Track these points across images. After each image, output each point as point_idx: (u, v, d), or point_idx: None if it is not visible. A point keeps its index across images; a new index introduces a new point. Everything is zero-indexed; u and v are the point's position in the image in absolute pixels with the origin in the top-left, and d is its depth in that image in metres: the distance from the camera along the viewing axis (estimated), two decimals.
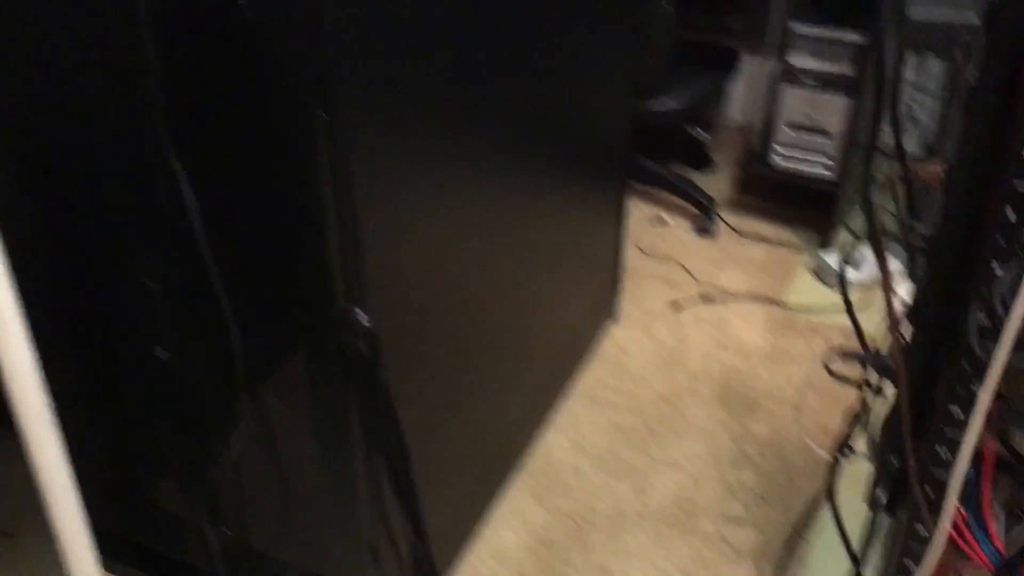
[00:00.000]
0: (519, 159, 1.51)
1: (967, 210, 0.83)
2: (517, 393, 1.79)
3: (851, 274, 2.38)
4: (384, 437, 1.21)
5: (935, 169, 0.90)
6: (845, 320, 2.33)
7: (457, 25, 1.18)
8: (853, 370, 1.14)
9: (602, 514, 1.78)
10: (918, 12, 0.81)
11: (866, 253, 2.42)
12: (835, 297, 2.36)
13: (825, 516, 1.62)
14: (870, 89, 2.29)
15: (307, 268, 1.09)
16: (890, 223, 0.94)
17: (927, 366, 0.92)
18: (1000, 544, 0.89)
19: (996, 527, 0.91)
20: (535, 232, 1.65)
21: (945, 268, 0.87)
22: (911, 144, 2.35)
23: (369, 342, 1.13)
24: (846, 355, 1.02)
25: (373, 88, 1.04)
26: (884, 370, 0.97)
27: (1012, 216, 0.79)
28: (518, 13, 1.34)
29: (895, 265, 0.95)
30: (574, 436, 1.96)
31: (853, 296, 2.43)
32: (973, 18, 0.78)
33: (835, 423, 1.96)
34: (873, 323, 2.36)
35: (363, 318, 1.11)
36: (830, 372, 1.15)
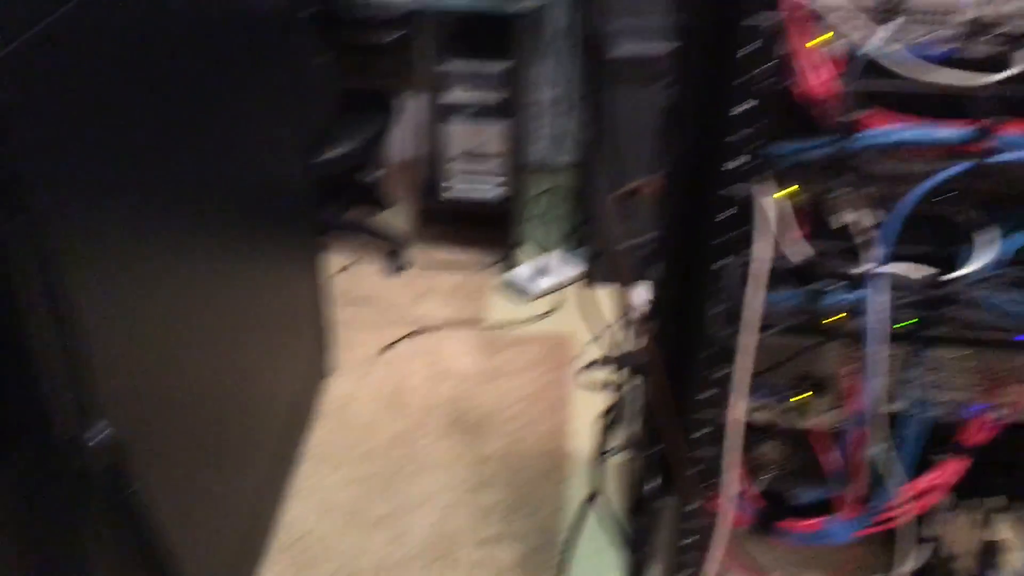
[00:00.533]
0: (214, 233, 1.47)
1: (688, 216, 0.94)
2: (254, 468, 1.71)
3: (541, 283, 2.55)
4: (140, 552, 1.10)
5: (652, 183, 1.00)
6: (544, 327, 2.47)
7: (131, 117, 1.13)
8: (595, 375, 1.23)
9: (367, 570, 1.74)
10: (619, 49, 0.90)
11: (550, 261, 2.60)
12: (529, 309, 2.51)
13: (582, 515, 1.72)
14: (523, 109, 2.47)
15: (22, 399, 0.97)
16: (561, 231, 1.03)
17: (673, 358, 1.02)
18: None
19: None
20: (241, 303, 1.60)
21: (676, 268, 0.97)
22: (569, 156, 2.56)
23: (109, 457, 1.02)
24: (594, 363, 1.10)
25: (68, 195, 0.95)
26: (635, 367, 1.06)
27: (725, 218, 0.90)
28: (182, 97, 1.30)
29: (575, 266, 1.03)
30: (318, 500, 1.90)
31: (543, 302, 2.58)
32: (668, 49, 0.89)
33: (564, 426, 2.09)
34: (574, 322, 2.52)
35: (99, 434, 1.00)
36: (581, 381, 1.23)
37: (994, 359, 1.07)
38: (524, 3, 2.31)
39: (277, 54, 1.79)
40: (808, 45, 0.85)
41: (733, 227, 0.91)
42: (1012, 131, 0.83)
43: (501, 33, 2.44)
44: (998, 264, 0.91)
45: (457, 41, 2.58)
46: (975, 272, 0.90)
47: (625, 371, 1.10)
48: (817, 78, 0.84)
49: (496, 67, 2.48)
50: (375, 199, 2.97)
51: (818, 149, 0.87)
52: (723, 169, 0.89)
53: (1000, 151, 0.83)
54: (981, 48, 0.86)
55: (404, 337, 2.40)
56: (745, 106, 0.87)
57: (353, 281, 2.64)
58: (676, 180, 0.94)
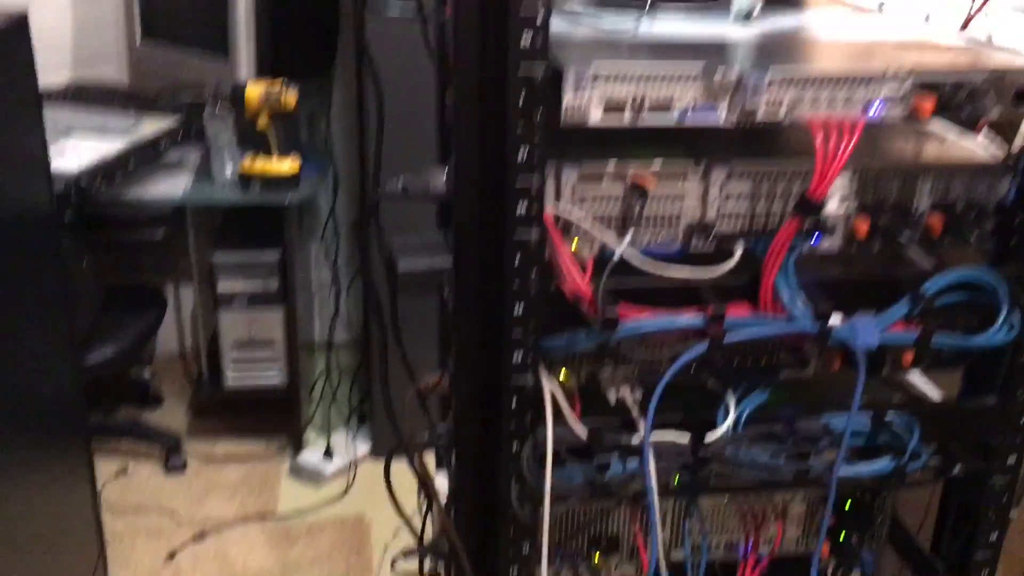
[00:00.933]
0: None
1: (479, 405, 1.03)
2: None
3: (331, 465, 2.53)
4: None
5: (442, 378, 1.09)
6: (339, 510, 2.44)
7: None
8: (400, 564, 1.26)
9: None
10: (404, 265, 1.00)
11: (339, 441, 2.60)
12: (322, 493, 2.48)
13: None
14: (302, 295, 2.52)
15: None
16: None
17: (476, 540, 1.08)
18: None
19: None
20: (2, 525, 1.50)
21: (472, 454, 1.05)
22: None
23: None
24: (408, 553, 1.14)
25: None
26: (438, 552, 1.11)
27: (514, 406, 1.00)
28: None
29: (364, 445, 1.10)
30: None
31: (336, 483, 2.56)
32: (448, 263, 1.00)
33: None
34: (370, 502, 2.50)
35: None
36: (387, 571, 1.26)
37: (755, 503, 1.22)
38: (291, 195, 2.40)
39: (39, 258, 1.75)
40: (567, 251, 0.98)
41: (521, 413, 1.01)
42: (737, 313, 1.00)
43: (272, 222, 2.50)
44: (742, 424, 1.07)
45: (228, 232, 2.62)
46: (726, 433, 1.05)
47: (429, 558, 1.15)
48: (577, 279, 0.97)
49: (268, 255, 2.53)
50: (148, 397, 2.86)
51: (586, 340, 0.99)
52: (507, 362, 1.00)
53: (731, 330, 0.99)
54: (707, 244, 1.04)
55: (189, 542, 2.29)
56: (520, 307, 0.98)
57: (129, 486, 2.51)
58: (465, 374, 1.03)
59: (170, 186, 2.42)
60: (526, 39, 0.90)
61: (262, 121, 2.38)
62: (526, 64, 0.90)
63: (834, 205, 1.05)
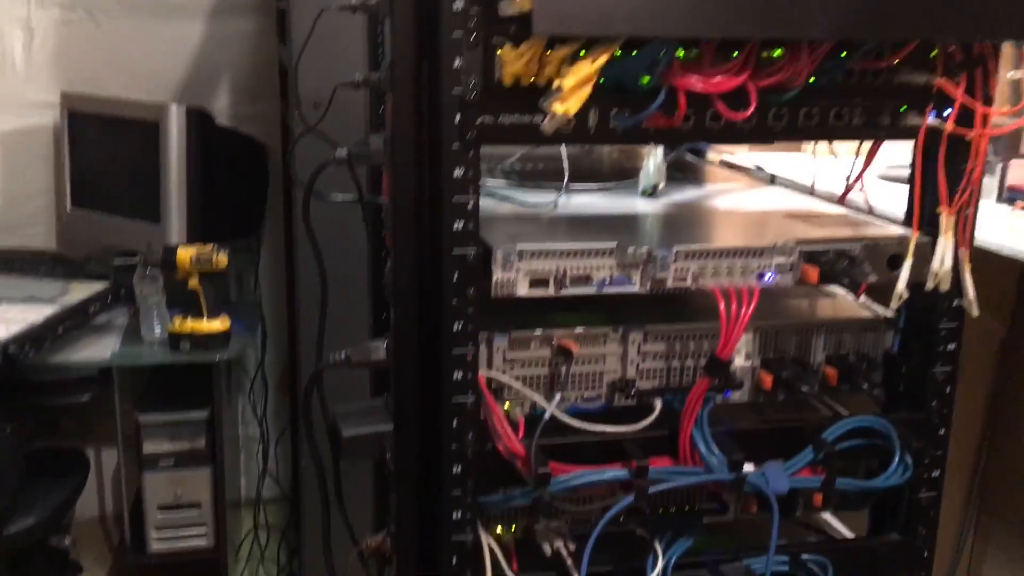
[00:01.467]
0: None
1: (419, 567, 1.07)
2: None
3: None
4: None
5: (383, 540, 1.13)
6: None
7: None
8: None
9: None
10: (348, 431, 1.06)
11: None
12: None
13: None
14: (228, 456, 2.51)
15: None
16: None
17: None
18: None
19: None
20: None
21: None
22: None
23: None
24: None
25: None
26: None
27: (454, 562, 1.05)
28: None
29: None
30: None
31: None
32: (389, 427, 1.06)
33: None
34: None
35: None
36: None
37: None
38: (221, 353, 2.43)
39: None
40: (501, 413, 1.06)
41: (461, 570, 1.05)
42: (659, 465, 1.08)
43: (200, 380, 2.51)
44: (671, 569, 1.13)
45: (155, 392, 2.61)
46: None
47: None
48: (511, 439, 1.04)
49: (196, 414, 2.52)
50: (67, 565, 2.76)
51: (521, 497, 1.06)
52: (446, 521, 1.05)
53: (654, 482, 1.06)
54: (629, 400, 1.13)
55: None
56: (458, 467, 1.05)
57: None
58: (406, 533, 1.08)
59: (98, 349, 2.43)
60: (459, 224, 1.00)
61: (192, 282, 2.43)
62: (459, 247, 1.00)
63: (741, 361, 1.16)
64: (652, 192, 1.37)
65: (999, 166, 1.49)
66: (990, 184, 1.51)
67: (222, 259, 2.40)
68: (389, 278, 1.07)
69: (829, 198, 1.35)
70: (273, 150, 2.84)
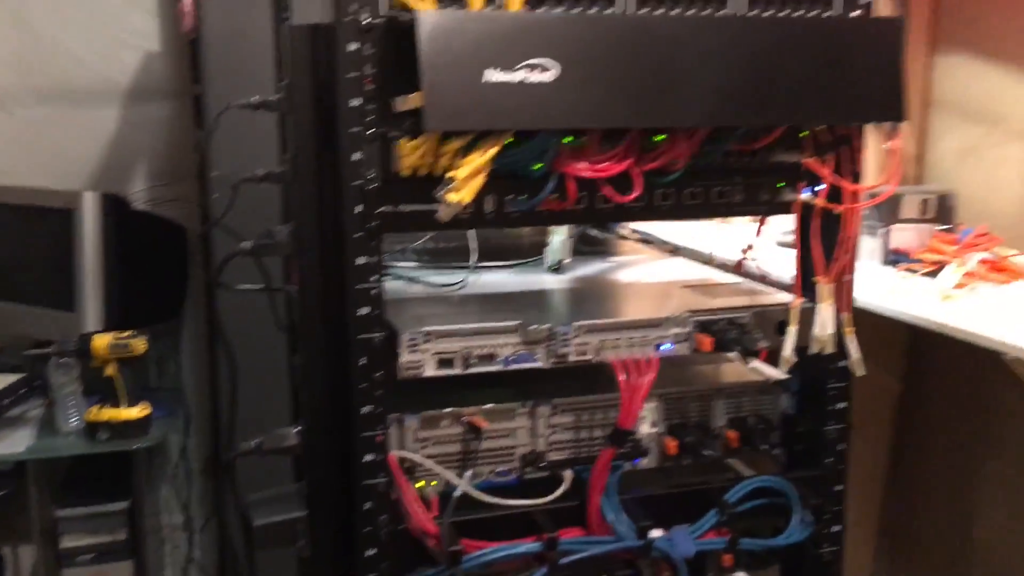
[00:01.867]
0: None
1: None
2: None
3: None
4: None
5: None
6: None
7: None
8: None
9: None
10: (259, 519, 1.06)
11: None
12: None
13: None
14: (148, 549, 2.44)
15: None
16: None
17: None
18: None
19: None
20: None
21: None
22: None
23: None
24: None
25: None
26: None
27: None
28: None
29: None
30: None
31: None
32: (303, 513, 1.07)
33: None
34: None
35: None
36: None
37: None
38: (140, 441, 2.39)
39: None
40: (412, 493, 1.08)
41: None
42: (570, 536, 1.10)
43: (120, 469, 2.46)
44: None
45: (73, 485, 2.54)
46: None
47: None
48: (422, 518, 1.06)
49: (116, 505, 2.46)
50: None
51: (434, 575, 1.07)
52: None
53: (566, 553, 1.09)
54: (540, 473, 1.16)
55: None
56: (372, 550, 1.06)
57: None
58: None
59: (11, 442, 2.36)
60: (364, 310, 1.03)
61: (110, 369, 2.39)
62: (365, 332, 1.03)
63: (647, 428, 1.20)
64: (558, 268, 1.42)
65: (881, 230, 1.58)
66: (875, 247, 1.60)
67: (139, 345, 2.37)
68: (298, 364, 1.09)
69: (727, 266, 1.41)
70: (193, 231, 2.84)
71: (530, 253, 1.48)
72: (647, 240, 1.67)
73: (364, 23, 0.97)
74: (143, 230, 2.82)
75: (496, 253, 1.48)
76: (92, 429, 2.38)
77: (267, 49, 2.13)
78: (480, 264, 1.40)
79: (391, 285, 1.32)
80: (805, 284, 1.17)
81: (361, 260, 1.01)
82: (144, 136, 2.92)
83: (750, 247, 1.35)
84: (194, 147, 2.74)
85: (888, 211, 1.59)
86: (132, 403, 2.39)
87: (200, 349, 2.85)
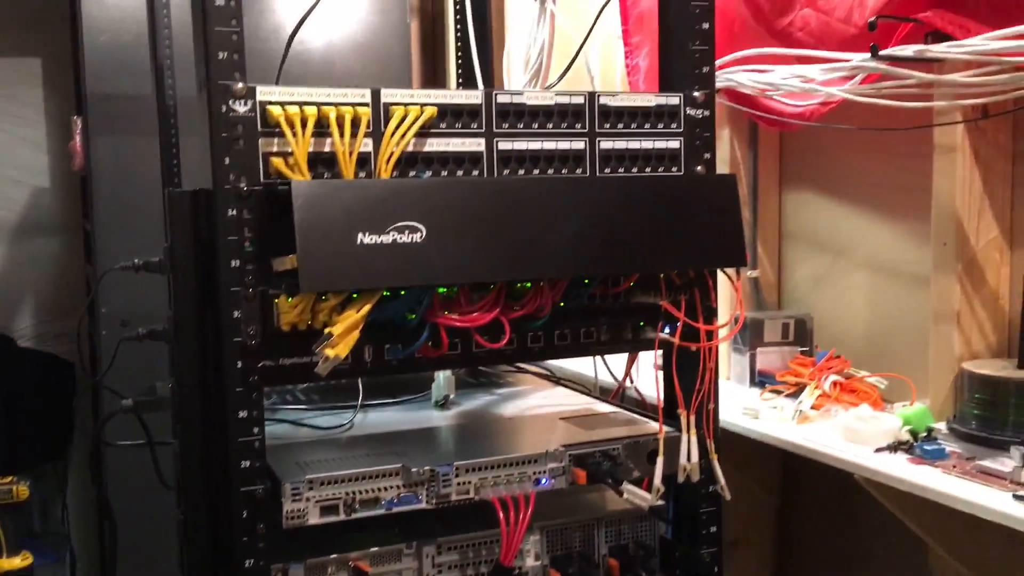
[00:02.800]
0: None
1: None
2: None
3: None
4: None
5: None
6: None
7: None
8: None
9: None
10: None
11: None
12: None
13: None
14: None
15: None
16: None
17: None
18: None
19: None
20: None
21: None
22: None
23: None
24: None
25: None
26: None
27: None
28: None
29: None
30: None
31: None
32: None
33: None
34: None
35: None
36: None
37: None
38: None
39: None
40: None
41: None
42: None
43: None
44: None
45: None
46: None
47: None
48: None
49: None
50: None
51: None
52: None
53: None
54: None
55: None
56: None
57: None
58: None
59: None
60: (246, 463, 1.05)
61: None
62: (247, 485, 1.05)
63: (531, 561, 1.24)
64: (444, 403, 1.47)
65: (748, 353, 1.69)
66: (743, 368, 1.70)
67: (22, 491, 2.30)
68: (183, 519, 1.10)
69: (610, 389, 1.47)
70: (81, 367, 2.79)
71: (417, 388, 1.53)
72: (532, 371, 1.73)
73: (243, 190, 1.03)
74: (27, 368, 2.75)
75: (384, 389, 1.52)
76: None
77: (155, 186, 2.17)
78: (367, 404, 1.43)
79: (277, 429, 1.35)
80: (671, 414, 1.25)
81: (242, 413, 1.04)
82: (32, 271, 2.89)
83: (626, 375, 1.43)
84: (86, 278, 2.73)
85: (753, 335, 1.70)
86: (13, 553, 2.30)
87: (87, 489, 2.76)
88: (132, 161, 2.36)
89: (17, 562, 2.36)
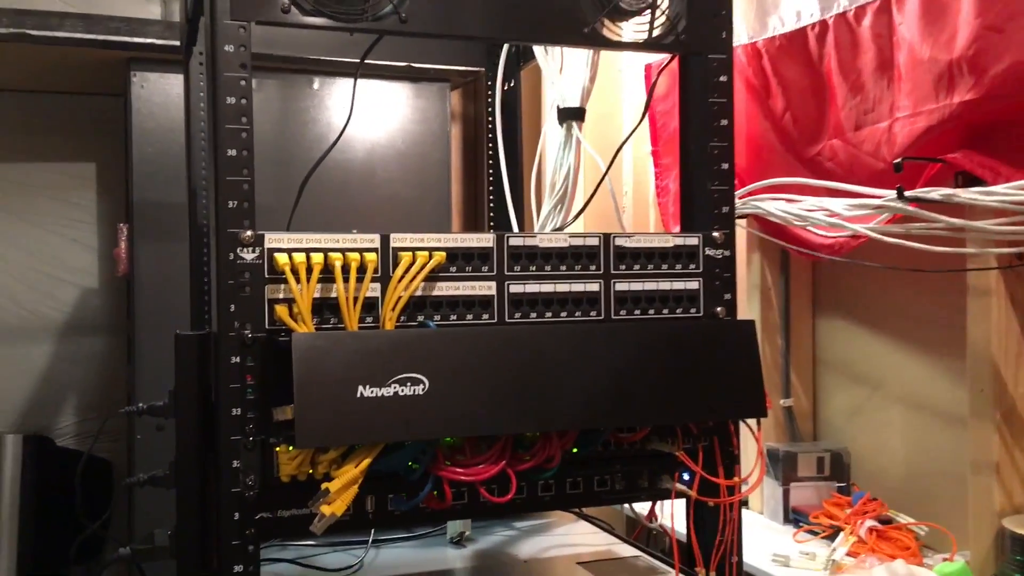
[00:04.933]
0: None
1: None
2: None
3: None
4: None
5: None
6: None
7: None
8: None
9: None
10: None
11: None
12: None
13: None
14: None
15: None
16: None
17: None
18: None
19: None
20: None
21: None
22: None
23: None
24: None
25: None
26: None
27: None
28: None
29: None
30: None
31: None
32: None
33: None
34: None
35: None
36: None
37: None
38: None
39: None
40: None
41: None
42: None
43: None
44: None
45: None
46: None
47: None
48: None
49: None
50: None
51: None
52: None
53: None
54: None
55: None
56: None
57: None
58: None
59: None
60: None
61: None
62: None
63: None
64: (459, 540, 1.42)
65: (781, 488, 1.62)
66: (776, 504, 1.63)
67: None
68: None
69: (636, 522, 1.40)
70: (120, 465, 2.79)
71: (433, 522, 1.48)
72: None
73: (247, 337, 1.02)
74: (67, 469, 2.76)
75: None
76: None
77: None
78: (379, 540, 1.39)
79: (286, 569, 1.31)
80: (693, 568, 1.18)
81: (238, 569, 1.01)
82: (76, 370, 2.93)
83: (651, 515, 1.37)
84: (126, 380, 2.75)
85: (786, 468, 1.63)
86: None
87: None
88: (174, 268, 2.40)
89: None
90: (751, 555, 1.25)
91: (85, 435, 2.92)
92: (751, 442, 1.15)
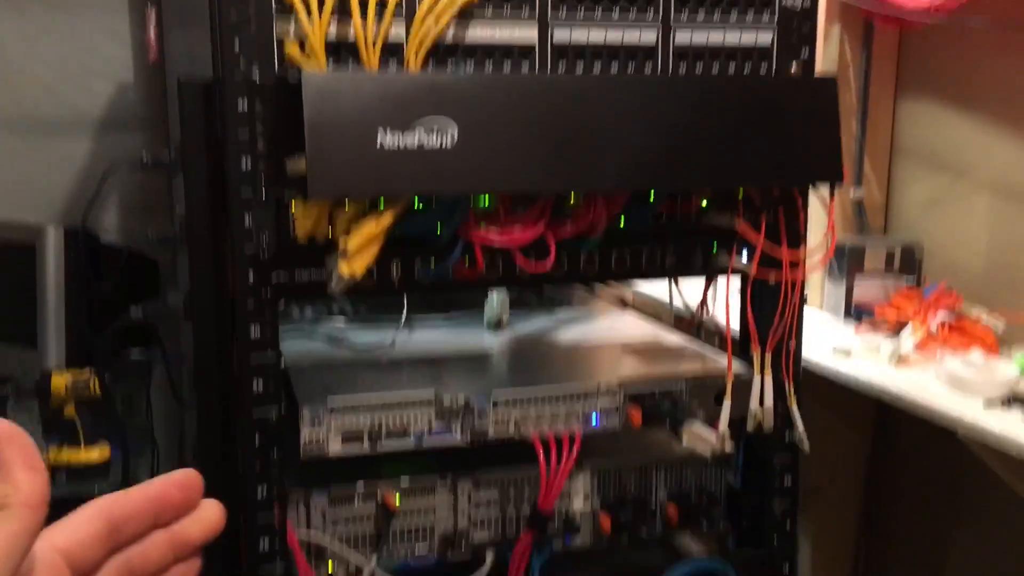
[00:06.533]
0: None
1: None
2: None
3: None
4: None
5: None
6: None
7: None
8: None
9: None
10: None
11: None
12: None
13: None
14: None
15: None
16: None
17: None
18: None
19: None
20: None
21: None
22: None
23: None
24: None
25: None
26: None
27: None
28: None
29: None
30: None
31: None
32: None
33: None
34: None
35: None
36: None
37: None
38: (100, 484, 2.32)
39: None
40: None
41: None
42: None
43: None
44: None
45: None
46: None
47: None
48: None
49: None
50: None
51: None
52: None
53: None
54: (462, 554, 1.08)
55: None
56: None
57: None
58: None
59: None
60: (258, 385, 0.95)
61: (69, 410, 2.33)
62: (260, 407, 0.96)
63: (579, 504, 1.12)
64: (497, 325, 1.35)
65: (844, 283, 1.50)
66: (838, 299, 1.52)
67: (97, 385, 2.31)
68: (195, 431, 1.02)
69: (684, 318, 1.32)
70: (167, 263, 2.78)
71: (470, 304, 1.41)
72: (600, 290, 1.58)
73: (255, 81, 0.90)
74: (111, 265, 2.76)
75: (435, 302, 1.41)
76: (50, 472, 2.32)
77: None
78: (416, 317, 1.32)
79: (314, 347, 1.25)
80: (745, 352, 1.09)
81: (254, 332, 0.94)
82: (119, 167, 2.88)
83: (704, 303, 1.27)
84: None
85: (852, 262, 1.51)
86: (91, 444, 2.33)
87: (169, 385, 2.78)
88: (201, 52, 2.28)
89: (96, 454, 2.39)
90: (809, 349, 1.15)
91: (131, 233, 2.90)
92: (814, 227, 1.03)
